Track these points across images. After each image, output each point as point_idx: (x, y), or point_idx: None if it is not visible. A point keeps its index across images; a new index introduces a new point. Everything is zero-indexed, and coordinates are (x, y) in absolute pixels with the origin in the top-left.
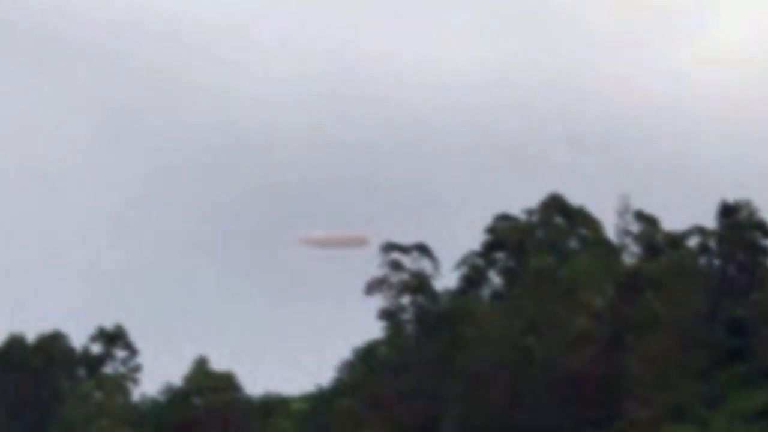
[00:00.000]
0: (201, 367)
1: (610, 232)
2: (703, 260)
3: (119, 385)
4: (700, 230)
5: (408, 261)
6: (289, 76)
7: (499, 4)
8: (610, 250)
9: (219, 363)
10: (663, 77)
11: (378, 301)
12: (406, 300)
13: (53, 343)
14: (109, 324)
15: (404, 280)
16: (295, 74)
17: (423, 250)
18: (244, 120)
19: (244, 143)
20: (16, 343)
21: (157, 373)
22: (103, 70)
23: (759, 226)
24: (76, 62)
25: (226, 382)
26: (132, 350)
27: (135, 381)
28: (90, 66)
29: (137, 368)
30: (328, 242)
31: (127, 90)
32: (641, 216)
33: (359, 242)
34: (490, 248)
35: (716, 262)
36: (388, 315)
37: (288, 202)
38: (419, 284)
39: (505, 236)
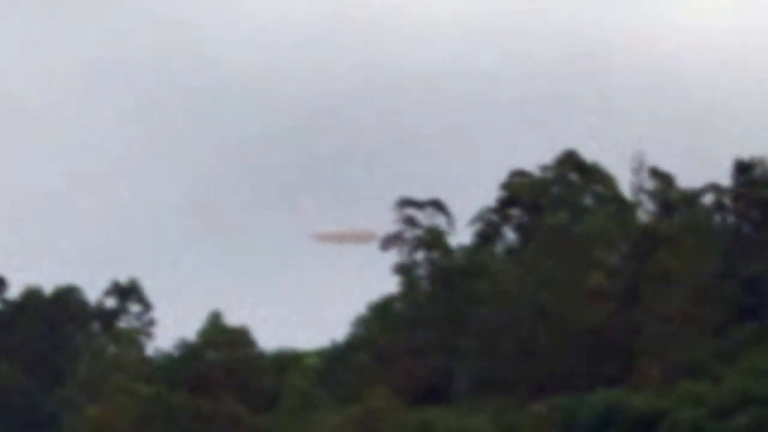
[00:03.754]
0: (215, 321)
1: (625, 189)
2: (717, 218)
3: (133, 339)
4: (714, 188)
5: (423, 217)
6: (288, 18)
7: None
8: (624, 207)
9: (233, 317)
10: (678, 32)
11: (393, 256)
12: (420, 256)
13: (69, 297)
14: (123, 278)
15: (419, 235)
16: (295, 16)
17: (438, 206)
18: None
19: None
20: (33, 295)
21: (171, 328)
22: (95, 11)
23: None
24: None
25: (240, 337)
26: (146, 304)
27: (149, 335)
28: (82, 7)
29: (151, 322)
30: (339, 238)
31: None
32: (656, 173)
33: (368, 238)
34: (504, 204)
35: (731, 219)
36: (403, 270)
37: (296, 158)
38: (434, 240)
39: (520, 192)
